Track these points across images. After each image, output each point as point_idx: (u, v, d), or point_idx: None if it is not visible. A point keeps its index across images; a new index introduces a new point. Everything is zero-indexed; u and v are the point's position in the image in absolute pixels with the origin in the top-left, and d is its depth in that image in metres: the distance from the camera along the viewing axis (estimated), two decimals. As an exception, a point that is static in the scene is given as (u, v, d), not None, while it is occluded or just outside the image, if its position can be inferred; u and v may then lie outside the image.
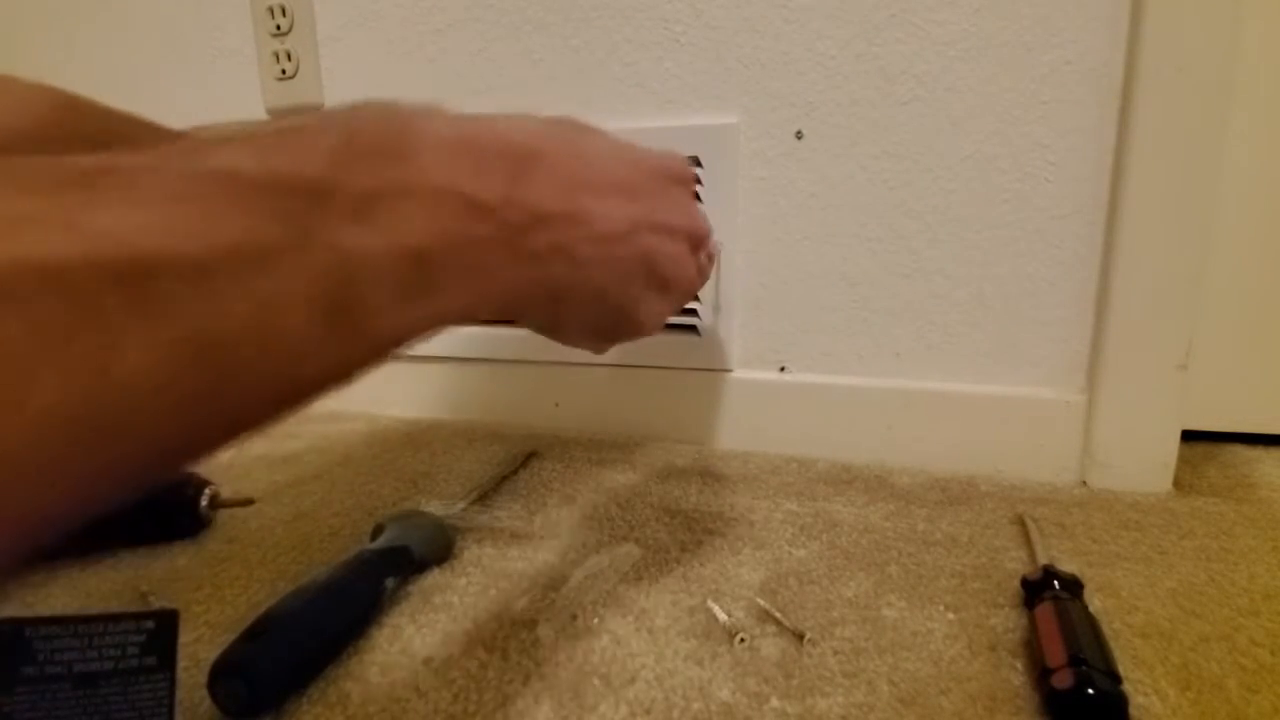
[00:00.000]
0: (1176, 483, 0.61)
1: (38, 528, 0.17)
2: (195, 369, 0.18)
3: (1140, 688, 0.37)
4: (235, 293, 0.18)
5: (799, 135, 0.66)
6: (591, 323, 0.35)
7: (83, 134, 0.36)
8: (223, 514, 0.58)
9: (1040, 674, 0.36)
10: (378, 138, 0.24)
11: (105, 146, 0.35)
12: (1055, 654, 0.36)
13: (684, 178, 0.40)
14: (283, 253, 0.20)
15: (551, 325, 0.35)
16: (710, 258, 0.43)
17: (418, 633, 0.43)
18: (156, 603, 0.46)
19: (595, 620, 0.43)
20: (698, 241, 0.39)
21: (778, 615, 0.43)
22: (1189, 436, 0.64)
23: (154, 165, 0.19)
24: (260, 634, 0.37)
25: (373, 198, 0.22)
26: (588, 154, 0.32)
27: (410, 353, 0.82)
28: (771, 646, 0.41)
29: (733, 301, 0.70)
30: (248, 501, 0.59)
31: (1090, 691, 0.33)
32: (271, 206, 0.20)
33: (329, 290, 0.21)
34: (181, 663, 0.34)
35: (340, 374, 0.23)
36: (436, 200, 0.24)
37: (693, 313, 0.72)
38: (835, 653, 0.40)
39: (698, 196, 0.42)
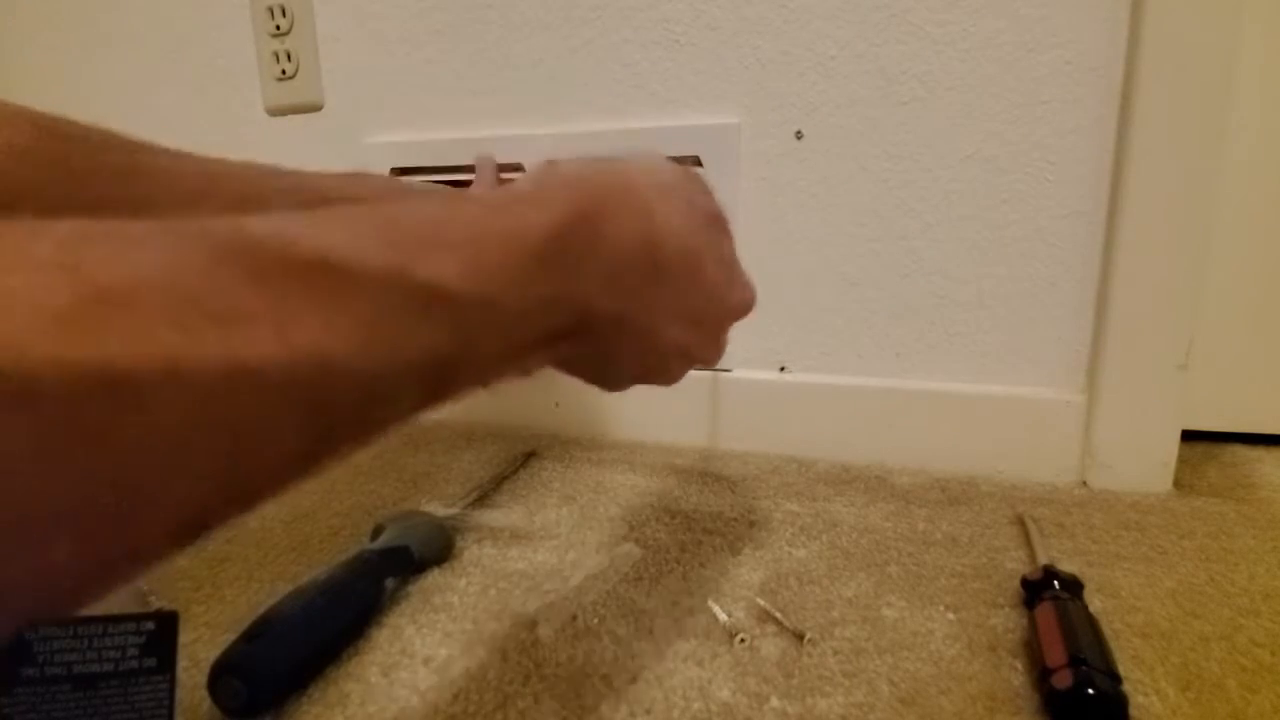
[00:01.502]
0: (1176, 483, 0.61)
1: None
2: (312, 448, 0.18)
3: (1140, 688, 0.37)
4: (383, 393, 0.19)
5: (799, 135, 0.66)
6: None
7: (66, 161, 0.34)
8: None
9: (1040, 674, 0.36)
10: (568, 244, 0.24)
11: (91, 174, 0.35)
12: (1055, 654, 0.36)
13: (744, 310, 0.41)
14: (438, 360, 0.20)
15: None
16: None
17: (418, 633, 0.43)
18: (156, 603, 0.46)
19: (595, 620, 0.43)
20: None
21: (778, 615, 0.43)
22: (1189, 436, 0.64)
23: (364, 267, 0.18)
24: (260, 634, 0.37)
25: (530, 314, 0.23)
26: (701, 283, 0.34)
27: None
28: (771, 646, 0.41)
29: (733, 301, 0.70)
30: None
31: (1090, 691, 0.33)
32: (455, 321, 0.20)
33: (443, 383, 0.21)
34: (181, 663, 0.34)
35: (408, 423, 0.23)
36: (569, 310, 0.25)
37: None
38: (835, 653, 0.40)
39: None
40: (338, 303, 0.17)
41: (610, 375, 0.35)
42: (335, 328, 0.17)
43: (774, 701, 0.36)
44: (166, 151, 0.39)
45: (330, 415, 0.17)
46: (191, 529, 0.16)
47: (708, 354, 0.38)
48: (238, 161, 0.41)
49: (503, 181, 0.74)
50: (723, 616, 0.43)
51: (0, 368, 0.12)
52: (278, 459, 0.17)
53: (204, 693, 0.35)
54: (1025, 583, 0.44)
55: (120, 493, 0.14)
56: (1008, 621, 0.42)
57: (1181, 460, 0.61)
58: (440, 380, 0.21)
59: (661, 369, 0.36)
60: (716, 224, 0.36)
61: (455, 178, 0.73)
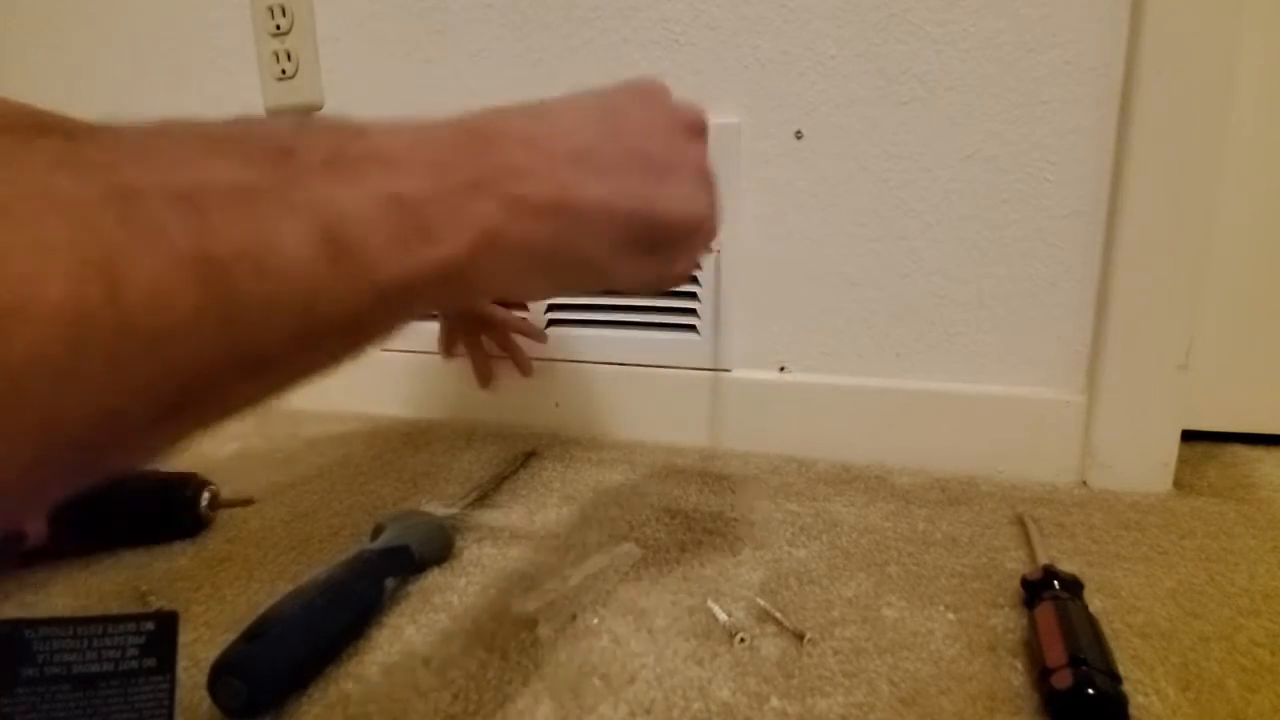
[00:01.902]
0: (1176, 483, 0.61)
1: (58, 457, 0.17)
2: (197, 280, 0.19)
3: (1140, 688, 0.37)
4: (225, 221, 0.19)
5: (799, 135, 0.66)
6: (624, 247, 0.31)
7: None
8: (223, 514, 0.58)
9: (1040, 674, 0.36)
10: (332, 127, 0.25)
11: None
12: (1055, 654, 0.36)
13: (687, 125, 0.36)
14: (264, 193, 0.21)
15: (586, 271, 0.32)
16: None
17: (418, 633, 0.43)
18: (156, 603, 0.46)
19: (595, 620, 0.43)
20: (694, 128, 0.36)
21: (778, 615, 0.43)
22: (1189, 436, 0.64)
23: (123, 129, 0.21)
24: (260, 634, 0.37)
25: (338, 158, 0.23)
26: (560, 122, 0.32)
27: (412, 349, 0.81)
28: (771, 646, 0.41)
29: (733, 301, 0.70)
30: (248, 501, 0.59)
31: (1090, 691, 0.33)
32: (245, 159, 0.21)
33: (320, 227, 0.21)
34: (181, 663, 0.34)
35: (355, 323, 0.23)
36: (400, 161, 0.25)
37: (692, 313, 0.72)
38: (835, 653, 0.40)
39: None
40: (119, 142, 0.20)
41: (605, 256, 0.31)
42: (116, 152, 0.20)
43: (774, 701, 0.36)
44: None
45: (160, 227, 0.19)
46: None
47: (675, 204, 0.33)
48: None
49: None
50: (723, 616, 0.43)
51: None
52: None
53: (204, 693, 0.35)
54: (1025, 583, 0.44)
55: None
56: (1008, 621, 0.42)
57: (1181, 460, 0.61)
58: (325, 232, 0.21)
59: (647, 207, 0.32)
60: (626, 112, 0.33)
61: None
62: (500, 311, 0.66)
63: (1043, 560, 0.46)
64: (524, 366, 0.72)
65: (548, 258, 0.29)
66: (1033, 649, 0.39)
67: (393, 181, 0.24)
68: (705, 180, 0.35)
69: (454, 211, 0.25)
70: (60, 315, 0.16)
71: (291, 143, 0.23)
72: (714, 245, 0.38)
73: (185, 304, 0.18)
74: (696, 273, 0.71)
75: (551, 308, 0.76)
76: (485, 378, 0.70)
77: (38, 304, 0.16)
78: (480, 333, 0.67)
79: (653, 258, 0.33)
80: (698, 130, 0.36)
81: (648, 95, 0.36)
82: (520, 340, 0.71)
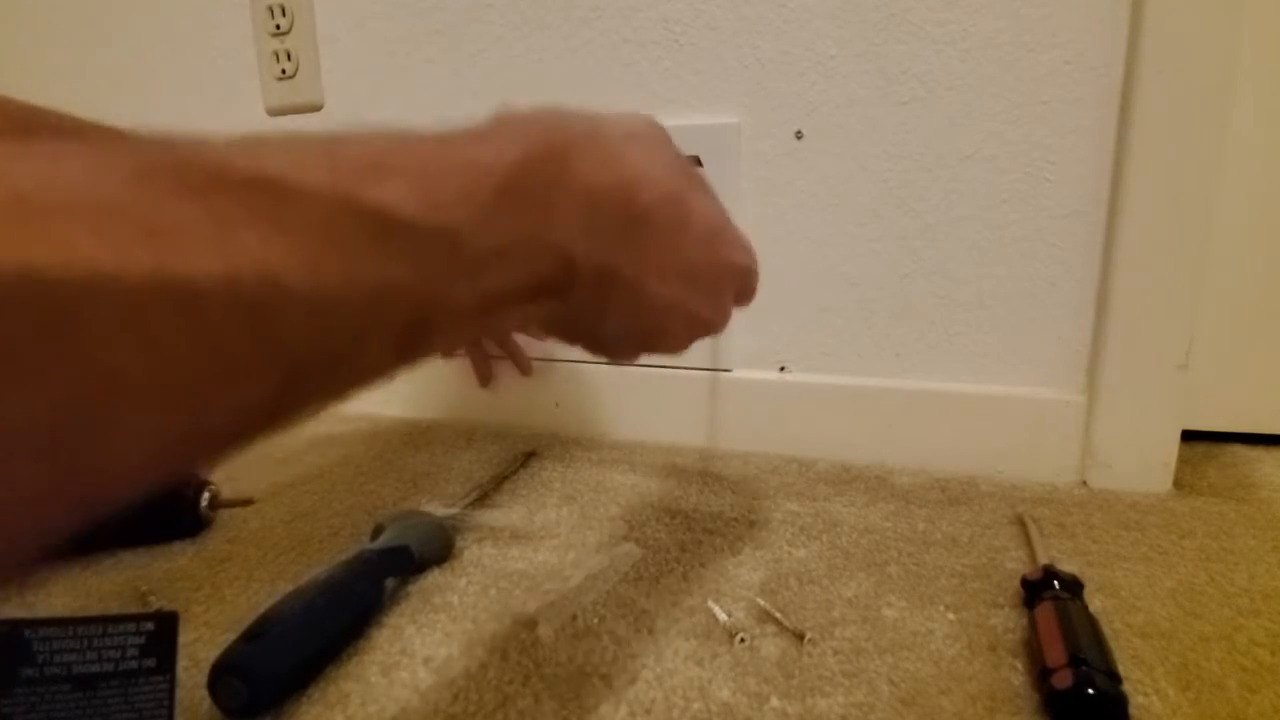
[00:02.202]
0: (1176, 483, 0.61)
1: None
2: (281, 384, 0.17)
3: (1140, 688, 0.37)
4: (343, 327, 0.18)
5: (799, 135, 0.66)
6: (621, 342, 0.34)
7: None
8: (223, 514, 0.58)
9: (1040, 674, 0.36)
10: (537, 184, 0.24)
11: None
12: (1055, 654, 0.36)
13: (746, 282, 0.41)
14: (399, 293, 0.19)
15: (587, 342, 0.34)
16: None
17: (418, 633, 0.43)
18: (156, 603, 0.46)
19: (595, 620, 0.43)
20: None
21: (778, 615, 0.43)
22: (1189, 436, 0.64)
23: (304, 187, 0.18)
24: (260, 634, 0.37)
25: (500, 254, 0.22)
26: (688, 234, 0.32)
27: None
28: (771, 646, 0.41)
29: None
30: (248, 501, 0.59)
31: (1090, 691, 0.33)
32: (410, 255, 0.19)
33: (415, 328, 0.21)
34: (181, 663, 0.34)
35: (387, 378, 0.22)
36: (545, 254, 0.24)
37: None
38: (835, 653, 0.40)
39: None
40: (277, 219, 0.16)
41: (607, 338, 0.33)
42: (276, 245, 0.16)
43: (774, 701, 0.36)
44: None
45: (287, 344, 0.17)
46: (157, 462, 0.16)
47: (707, 313, 0.35)
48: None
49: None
50: (723, 616, 0.43)
51: None
52: (240, 389, 0.16)
53: (204, 693, 0.35)
54: (1025, 583, 0.44)
55: (65, 410, 0.13)
56: (1008, 621, 0.42)
57: (1181, 460, 0.61)
58: (411, 322, 0.20)
59: (659, 331, 0.34)
60: (694, 177, 0.34)
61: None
62: None
63: (1043, 560, 0.46)
64: (524, 366, 0.72)
65: (572, 315, 0.30)
66: (1033, 649, 0.39)
67: (516, 280, 0.23)
68: (735, 292, 0.39)
69: (506, 259, 0.24)
70: (154, 437, 0.15)
71: (474, 236, 0.21)
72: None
73: (261, 405, 0.17)
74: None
75: (551, 308, 0.76)
76: (485, 378, 0.70)
77: (137, 422, 0.14)
78: None
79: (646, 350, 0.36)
80: (701, 181, 0.37)
81: (661, 132, 0.36)
82: (520, 339, 0.71)
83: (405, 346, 0.21)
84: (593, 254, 0.26)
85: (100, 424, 0.14)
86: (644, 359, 0.36)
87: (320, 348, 0.18)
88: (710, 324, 0.36)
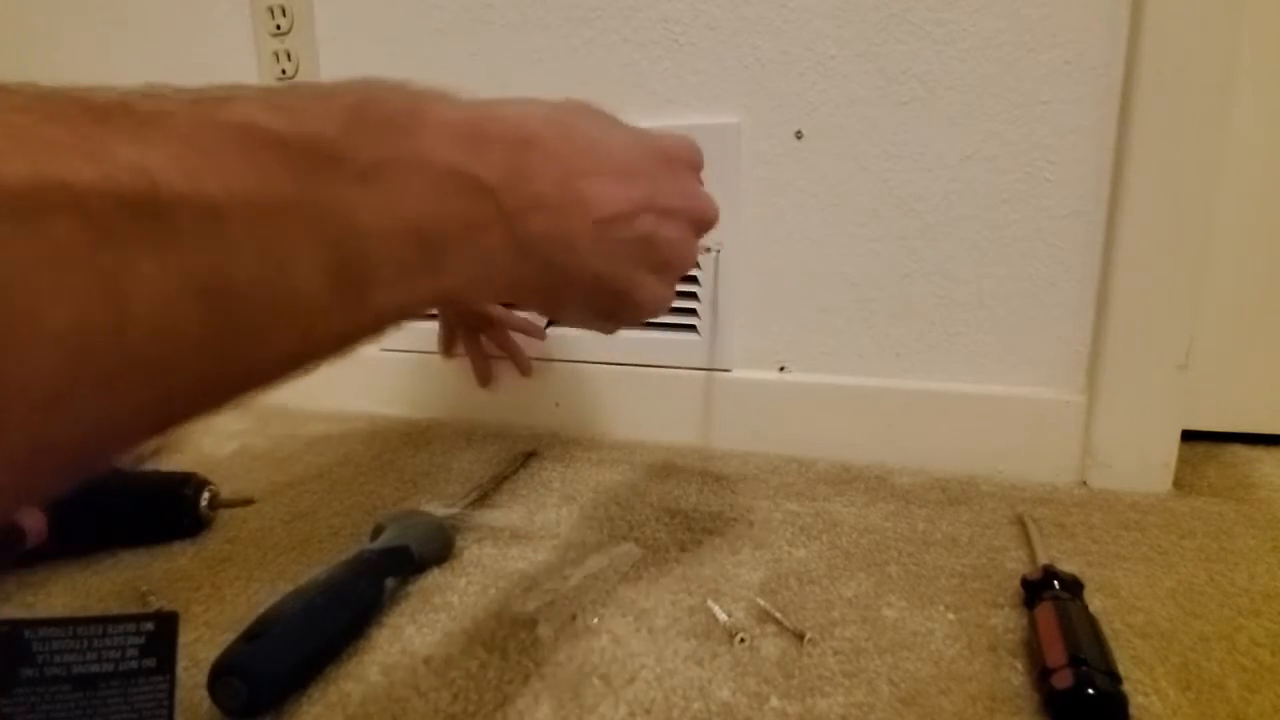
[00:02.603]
0: (1176, 483, 0.61)
1: (48, 466, 0.17)
2: (205, 311, 0.18)
3: (1140, 688, 0.37)
4: (246, 239, 0.19)
5: (799, 135, 0.66)
6: (591, 305, 0.35)
7: None
8: (223, 514, 0.58)
9: (1040, 674, 0.36)
10: (388, 110, 0.24)
11: None
12: (1055, 654, 0.36)
13: (690, 161, 0.39)
14: (294, 207, 0.20)
15: (551, 308, 0.36)
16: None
17: (418, 633, 0.43)
18: (156, 603, 0.46)
19: (595, 620, 0.43)
20: (701, 224, 0.38)
21: (778, 615, 0.43)
22: (1189, 436, 0.64)
23: (169, 110, 0.19)
24: (260, 634, 0.37)
25: (381, 167, 0.23)
26: (589, 138, 0.33)
27: (412, 349, 0.81)
28: (771, 646, 0.41)
29: (733, 301, 0.70)
30: (248, 501, 0.59)
31: (1090, 691, 0.33)
32: (285, 161, 0.20)
33: (337, 254, 0.21)
34: (181, 663, 0.34)
35: (345, 341, 0.23)
36: (440, 177, 0.25)
37: (692, 313, 0.72)
38: (835, 653, 0.40)
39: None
40: (145, 137, 0.18)
41: (573, 290, 0.33)
42: (150, 155, 0.17)
43: (774, 701, 0.36)
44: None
45: (188, 258, 0.17)
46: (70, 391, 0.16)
47: (670, 216, 0.35)
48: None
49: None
50: (723, 616, 0.43)
51: None
52: (159, 313, 0.17)
53: (204, 693, 0.35)
54: (1025, 583, 0.44)
55: None
56: (1008, 621, 0.42)
57: (1181, 460, 0.61)
58: (329, 244, 0.21)
59: (627, 256, 0.34)
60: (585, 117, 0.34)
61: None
62: (499, 310, 0.66)
63: (1043, 560, 0.46)
64: (523, 366, 0.72)
65: (520, 292, 0.32)
66: (1033, 649, 0.39)
67: (424, 204, 0.24)
68: (678, 278, 0.38)
69: (466, 245, 0.26)
70: (63, 341, 0.15)
71: (342, 137, 0.22)
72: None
73: (189, 334, 0.18)
74: (696, 273, 0.71)
75: (551, 308, 0.76)
76: (485, 377, 0.70)
77: (40, 326, 0.15)
78: (480, 332, 0.67)
79: (602, 319, 0.37)
80: (703, 226, 0.38)
81: (687, 167, 0.38)
82: (520, 340, 0.71)
83: (342, 278, 0.21)
84: (505, 180, 0.27)
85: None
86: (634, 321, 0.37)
87: (235, 263, 0.18)
88: (672, 210, 0.35)
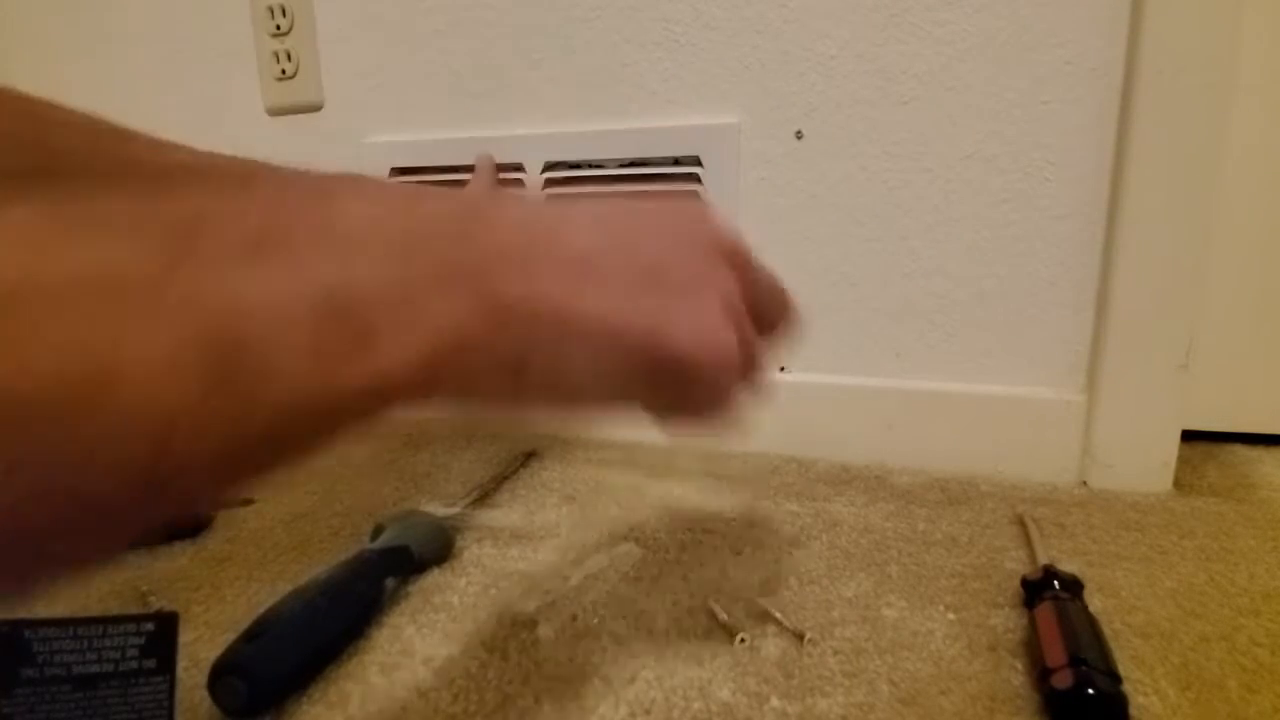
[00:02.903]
0: (1176, 483, 0.61)
1: None
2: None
3: (1140, 688, 0.37)
4: (59, 334, 0.15)
5: (799, 135, 0.66)
6: (619, 366, 0.26)
7: (47, 146, 0.30)
8: (223, 514, 0.58)
9: (1040, 674, 0.36)
10: (298, 186, 0.21)
11: (75, 160, 0.30)
12: (1055, 654, 0.36)
13: (721, 249, 0.30)
14: (135, 288, 0.16)
15: (573, 389, 0.26)
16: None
17: (418, 633, 0.43)
18: (156, 603, 0.46)
19: (595, 620, 0.43)
20: (725, 252, 0.30)
21: (778, 615, 0.43)
22: (1189, 436, 0.64)
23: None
24: (260, 634, 0.37)
25: (272, 234, 0.18)
26: (567, 220, 0.26)
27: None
28: (771, 646, 0.41)
29: (733, 301, 0.70)
30: (248, 501, 0.59)
31: (1090, 691, 0.33)
32: (136, 233, 0.17)
33: (203, 338, 0.16)
34: (181, 663, 0.34)
35: (232, 451, 0.18)
36: (357, 240, 0.20)
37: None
38: (835, 653, 0.40)
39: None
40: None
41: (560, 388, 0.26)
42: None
43: (774, 701, 0.36)
44: (160, 145, 0.33)
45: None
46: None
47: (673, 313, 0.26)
48: (226, 157, 0.36)
49: (502, 182, 0.74)
50: (723, 616, 0.43)
51: None
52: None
53: (204, 693, 0.35)
54: (1025, 583, 0.44)
55: None
56: (1008, 621, 0.42)
57: (1181, 460, 0.61)
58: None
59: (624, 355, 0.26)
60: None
61: (455, 177, 0.73)
62: None
63: (1043, 560, 0.46)
64: None
65: (518, 374, 0.23)
66: (1033, 649, 0.39)
67: (334, 270, 0.19)
68: (733, 312, 0.28)
69: (408, 310, 0.20)
70: None
71: (215, 210, 0.18)
72: (755, 387, 0.33)
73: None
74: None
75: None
76: None
77: None
78: None
79: (661, 393, 0.28)
80: (732, 255, 0.30)
81: (679, 211, 0.30)
82: None
83: (223, 382, 0.17)
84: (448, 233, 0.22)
85: None
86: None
87: (61, 355, 0.15)
88: (700, 324, 0.27)
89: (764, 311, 0.32)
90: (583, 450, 0.72)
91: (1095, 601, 0.43)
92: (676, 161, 0.69)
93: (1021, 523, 0.54)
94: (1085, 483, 0.62)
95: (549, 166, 0.72)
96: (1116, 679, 0.34)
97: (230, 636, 0.37)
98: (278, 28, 0.80)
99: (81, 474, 0.15)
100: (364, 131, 0.80)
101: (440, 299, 0.20)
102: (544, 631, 0.42)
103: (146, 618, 0.33)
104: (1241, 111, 0.59)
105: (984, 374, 0.65)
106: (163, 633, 0.33)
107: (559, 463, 0.69)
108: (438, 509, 0.57)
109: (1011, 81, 0.60)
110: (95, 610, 0.45)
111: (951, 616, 0.43)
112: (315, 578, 0.42)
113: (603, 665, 0.39)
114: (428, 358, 0.20)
